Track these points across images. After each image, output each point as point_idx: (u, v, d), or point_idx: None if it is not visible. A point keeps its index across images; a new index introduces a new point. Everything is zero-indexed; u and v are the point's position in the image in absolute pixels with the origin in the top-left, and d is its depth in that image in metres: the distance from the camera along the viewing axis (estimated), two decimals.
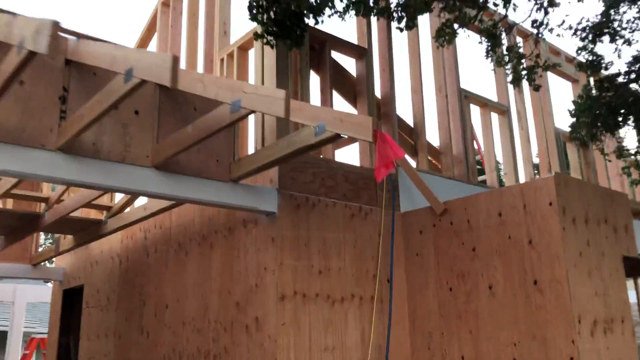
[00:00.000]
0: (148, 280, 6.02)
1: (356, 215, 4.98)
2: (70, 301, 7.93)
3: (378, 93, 5.81)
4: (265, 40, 4.36)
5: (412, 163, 6.05)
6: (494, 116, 7.24)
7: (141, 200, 5.60)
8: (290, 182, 4.60)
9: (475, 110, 6.90)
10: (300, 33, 4.35)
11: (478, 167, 8.75)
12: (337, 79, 5.56)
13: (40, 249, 7.94)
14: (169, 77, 2.54)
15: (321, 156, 5.23)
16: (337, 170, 4.97)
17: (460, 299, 4.60)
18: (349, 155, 30.04)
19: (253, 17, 4.23)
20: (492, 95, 7.30)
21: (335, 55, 5.57)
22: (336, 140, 3.44)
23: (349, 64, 5.79)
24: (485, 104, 7.00)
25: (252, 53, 5.33)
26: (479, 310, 4.44)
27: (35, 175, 3.37)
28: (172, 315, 5.46)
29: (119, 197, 6.00)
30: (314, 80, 5.37)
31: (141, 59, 2.73)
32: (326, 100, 5.19)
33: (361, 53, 5.64)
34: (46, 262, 7.82)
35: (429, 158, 6.83)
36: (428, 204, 5.05)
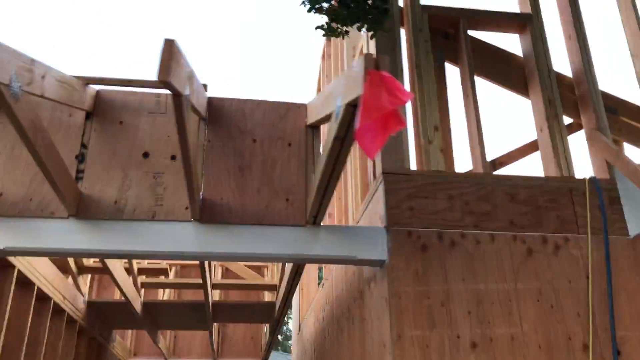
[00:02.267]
0: None
1: (538, 250, 3.19)
2: None
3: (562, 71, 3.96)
4: (334, 31, 3.24)
5: None
6: None
7: None
8: (408, 215, 3.19)
9: None
10: (376, 5, 3.12)
11: None
12: (489, 65, 3.97)
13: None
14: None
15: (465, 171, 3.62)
16: (495, 187, 3.33)
17: None
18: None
19: (311, 4, 3.19)
20: None
21: (483, 35, 4.03)
22: (354, 111, 2.07)
23: (508, 42, 4.13)
24: None
25: None
26: None
27: (40, 250, 2.85)
28: None
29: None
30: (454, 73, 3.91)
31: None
32: (467, 95, 3.67)
33: (524, 22, 3.97)
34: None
35: None
36: None
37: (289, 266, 4.04)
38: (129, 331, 7.50)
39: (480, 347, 2.93)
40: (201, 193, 3.03)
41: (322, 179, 2.59)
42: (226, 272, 7.35)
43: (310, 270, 7.13)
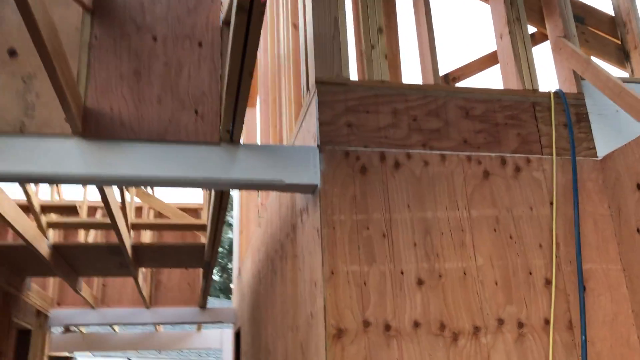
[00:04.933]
0: (261, 314, 4.52)
1: (495, 173, 2.73)
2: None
3: None
4: None
5: (615, 71, 3.43)
6: None
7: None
8: (345, 132, 2.66)
9: None
10: None
11: None
12: None
13: None
14: None
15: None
16: (448, 101, 2.82)
17: None
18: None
19: None
20: None
21: None
22: None
23: None
24: None
25: None
26: None
27: None
28: None
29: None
30: None
31: None
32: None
33: None
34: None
35: None
36: None
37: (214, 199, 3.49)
38: (51, 279, 6.86)
39: (427, 284, 2.48)
40: (84, 101, 2.40)
41: (231, 74, 2.01)
42: (160, 214, 6.75)
43: (250, 209, 6.61)
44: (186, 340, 8.51)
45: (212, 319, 7.06)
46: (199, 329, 8.61)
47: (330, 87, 2.73)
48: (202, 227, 4.63)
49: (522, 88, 3.01)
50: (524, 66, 3.03)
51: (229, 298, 21.65)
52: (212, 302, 12.50)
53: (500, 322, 2.48)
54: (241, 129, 2.48)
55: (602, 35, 3.53)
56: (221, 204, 3.32)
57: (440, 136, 2.76)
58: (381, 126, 2.71)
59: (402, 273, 2.48)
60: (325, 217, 2.49)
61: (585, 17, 3.55)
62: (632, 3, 3.48)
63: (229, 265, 26.43)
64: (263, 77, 5.00)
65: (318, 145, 2.62)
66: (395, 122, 2.74)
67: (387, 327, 2.38)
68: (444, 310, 2.45)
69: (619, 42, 3.57)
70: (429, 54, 3.00)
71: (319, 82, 2.73)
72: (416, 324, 2.41)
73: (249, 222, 6.53)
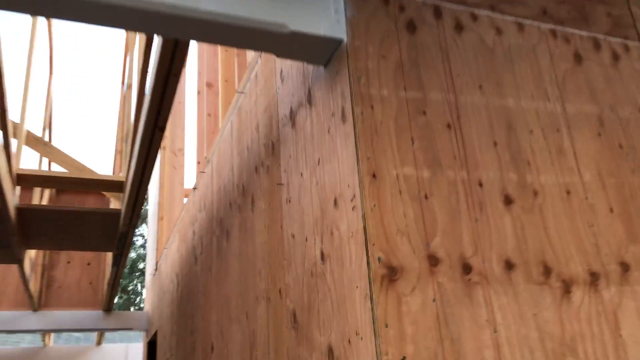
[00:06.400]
0: (196, 304, 3.38)
1: (589, 58, 1.85)
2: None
3: None
4: None
5: None
6: None
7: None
8: None
9: None
10: None
11: None
12: None
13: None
14: None
15: None
16: None
17: None
18: None
19: None
20: None
21: None
22: None
23: None
24: None
25: None
26: None
27: None
28: None
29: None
30: None
31: None
32: None
33: None
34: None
35: None
36: None
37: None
38: None
39: (518, 204, 1.52)
40: None
41: None
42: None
43: (175, 187, 5.43)
44: (82, 357, 7.03)
45: (120, 325, 5.69)
46: (99, 342, 7.15)
47: None
48: (116, 186, 3.43)
49: None
50: None
51: None
52: None
53: (625, 267, 1.57)
54: None
55: None
56: (170, 69, 2.10)
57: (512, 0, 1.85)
58: None
59: (480, 185, 1.51)
60: (359, 88, 1.48)
61: None
62: None
63: (130, 287, 24.12)
64: None
65: None
66: None
67: (467, 268, 1.39)
68: (546, 246, 1.51)
69: None
70: None
71: None
72: (509, 265, 1.44)
73: (173, 203, 5.33)
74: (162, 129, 2.32)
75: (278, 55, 1.62)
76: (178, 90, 5.18)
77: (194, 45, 4.42)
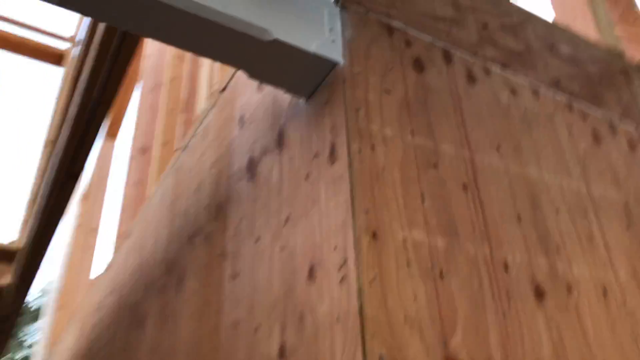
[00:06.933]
0: None
1: (606, 139, 1.58)
2: None
3: None
4: None
5: None
6: None
7: None
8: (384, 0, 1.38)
9: None
10: None
11: None
12: None
13: None
14: None
15: None
16: (525, 23, 1.70)
17: None
18: None
19: None
20: None
21: None
22: None
23: None
24: None
25: None
26: None
27: None
28: None
29: None
30: None
31: None
32: None
33: None
34: None
35: None
36: None
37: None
38: None
39: (551, 298, 1.14)
40: None
41: None
42: None
43: (81, 279, 4.72)
44: None
45: None
46: None
47: None
48: (6, 257, 2.80)
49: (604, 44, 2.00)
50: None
51: None
52: None
53: None
54: None
55: None
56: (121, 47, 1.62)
57: (524, 62, 1.58)
58: (438, 15, 1.48)
59: (505, 267, 1.12)
60: (356, 122, 1.11)
61: None
62: None
63: None
64: None
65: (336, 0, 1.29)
66: (459, 18, 1.53)
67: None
68: (585, 355, 1.11)
69: None
70: None
71: None
72: None
73: (77, 291, 4.60)
74: (76, 177, 1.83)
75: (251, 75, 1.23)
76: (103, 159, 4.66)
77: (134, 106, 3.98)
